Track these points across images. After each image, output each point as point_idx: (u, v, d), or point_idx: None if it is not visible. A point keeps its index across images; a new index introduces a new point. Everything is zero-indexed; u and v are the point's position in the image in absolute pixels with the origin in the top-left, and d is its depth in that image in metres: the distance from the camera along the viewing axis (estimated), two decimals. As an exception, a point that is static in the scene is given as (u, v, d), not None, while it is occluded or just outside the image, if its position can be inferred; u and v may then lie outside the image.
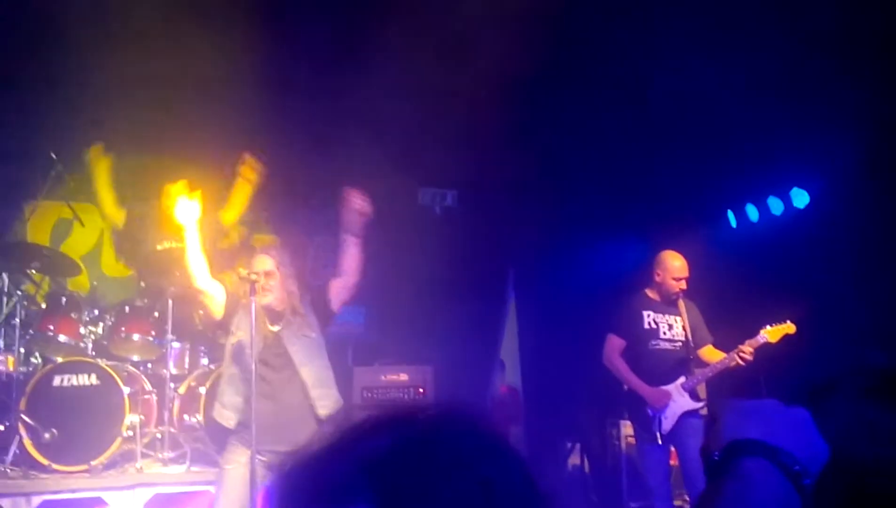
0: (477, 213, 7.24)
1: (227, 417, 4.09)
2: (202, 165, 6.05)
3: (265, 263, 4.16)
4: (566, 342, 6.82)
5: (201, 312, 5.28)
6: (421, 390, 5.84)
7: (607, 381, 5.59)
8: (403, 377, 5.87)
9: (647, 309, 5.28)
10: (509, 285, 7.39)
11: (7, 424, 4.92)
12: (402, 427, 0.88)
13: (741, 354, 4.95)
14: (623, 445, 6.44)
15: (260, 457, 3.88)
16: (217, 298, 4.16)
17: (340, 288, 4.37)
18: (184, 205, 4.12)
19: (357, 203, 4.46)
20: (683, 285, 5.24)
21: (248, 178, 5.84)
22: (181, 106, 5.74)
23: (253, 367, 3.96)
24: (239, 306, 4.16)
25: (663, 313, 5.29)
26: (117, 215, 5.66)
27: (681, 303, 5.33)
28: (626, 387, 5.29)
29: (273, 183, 6.83)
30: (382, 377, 5.84)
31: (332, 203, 7.10)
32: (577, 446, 6.89)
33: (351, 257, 4.41)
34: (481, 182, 7.11)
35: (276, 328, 4.15)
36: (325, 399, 4.12)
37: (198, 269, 4.10)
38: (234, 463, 4.00)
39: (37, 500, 4.62)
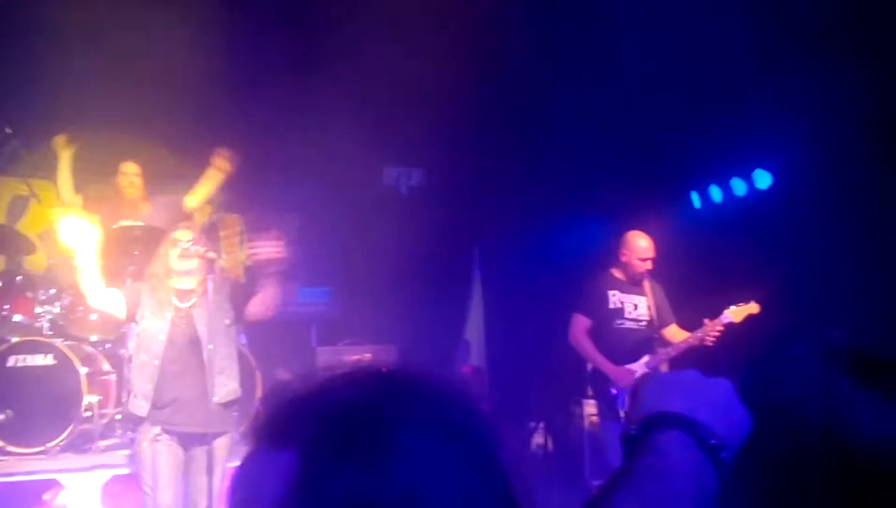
0: (443, 192, 7.22)
1: (139, 406, 4.00)
2: (158, 145, 5.98)
3: (186, 235, 4.09)
4: (531, 321, 6.84)
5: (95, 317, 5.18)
6: (384, 370, 5.82)
7: (571, 360, 5.62)
8: (367, 356, 5.83)
9: (612, 289, 5.30)
10: (475, 265, 7.38)
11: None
12: (364, 384, 0.85)
13: (708, 333, 5.00)
14: (586, 423, 6.48)
15: (168, 437, 3.90)
16: (116, 305, 4.10)
17: (257, 310, 4.20)
18: (72, 226, 4.03)
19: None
20: (649, 265, 5.27)
21: (220, 167, 5.74)
22: (140, 84, 5.62)
23: (204, 346, 3.95)
24: (141, 295, 4.09)
25: (629, 293, 5.32)
26: (75, 201, 5.55)
27: (646, 283, 5.36)
28: (590, 366, 5.31)
29: (238, 163, 6.75)
30: (346, 358, 5.80)
31: (298, 183, 7.09)
32: (541, 425, 6.92)
33: (267, 296, 4.15)
34: (447, 161, 7.08)
35: (185, 305, 4.05)
36: (220, 388, 4.01)
37: (91, 288, 4.02)
38: (147, 440, 3.95)
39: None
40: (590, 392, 6.05)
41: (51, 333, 5.22)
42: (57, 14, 4.89)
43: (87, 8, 4.86)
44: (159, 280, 4.07)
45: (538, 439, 7.00)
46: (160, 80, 5.46)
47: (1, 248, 5.45)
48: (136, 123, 5.80)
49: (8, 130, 5.37)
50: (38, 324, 5.24)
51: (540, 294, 6.77)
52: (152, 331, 4.00)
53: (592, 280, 5.37)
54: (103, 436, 4.97)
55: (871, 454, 0.98)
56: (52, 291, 5.37)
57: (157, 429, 3.92)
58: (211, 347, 3.97)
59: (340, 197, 7.23)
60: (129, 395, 4.22)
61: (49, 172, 5.99)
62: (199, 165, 6.36)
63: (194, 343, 3.99)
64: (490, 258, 7.37)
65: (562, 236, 6.99)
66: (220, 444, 4.04)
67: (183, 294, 4.06)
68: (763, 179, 6.31)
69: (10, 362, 4.81)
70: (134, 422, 4.35)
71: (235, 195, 7.28)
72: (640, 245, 5.26)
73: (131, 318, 4.13)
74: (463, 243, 7.33)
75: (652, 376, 1.03)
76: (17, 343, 4.92)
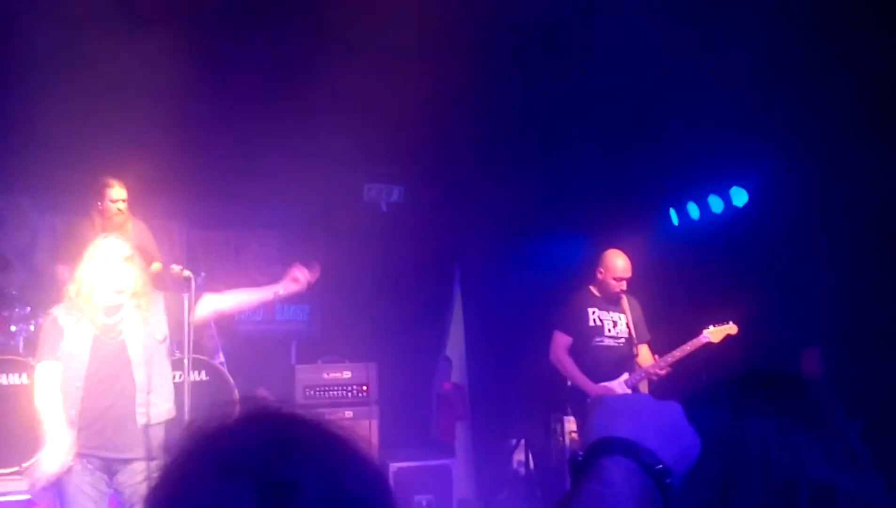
0: (423, 209, 7.22)
1: (67, 433, 3.64)
2: (139, 165, 5.95)
3: (122, 248, 3.80)
4: (512, 338, 6.84)
5: None
6: (364, 387, 5.79)
7: (552, 377, 5.63)
8: (346, 374, 5.81)
9: (591, 306, 5.33)
10: (455, 282, 7.38)
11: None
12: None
13: (659, 367, 5.07)
14: (567, 440, 6.49)
15: (87, 463, 3.59)
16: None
17: (213, 308, 3.99)
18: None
19: (299, 279, 4.19)
20: (623, 285, 5.31)
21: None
22: (118, 101, 5.59)
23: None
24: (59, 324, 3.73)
25: (607, 310, 5.35)
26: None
27: (624, 300, 5.39)
28: (570, 383, 5.32)
29: (211, 180, 6.73)
30: (325, 375, 5.78)
31: (279, 200, 7.07)
32: (522, 442, 6.91)
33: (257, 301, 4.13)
34: (427, 178, 7.09)
35: (111, 321, 3.73)
36: (147, 407, 3.68)
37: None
38: (67, 473, 3.61)
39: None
40: (570, 410, 6.07)
41: (25, 352, 5.16)
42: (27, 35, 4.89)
43: (60, 29, 4.85)
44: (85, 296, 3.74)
45: (519, 456, 6.99)
46: (138, 97, 5.44)
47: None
48: (118, 140, 5.76)
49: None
50: (13, 342, 5.18)
51: (520, 311, 6.78)
52: (73, 354, 3.67)
53: (571, 298, 5.40)
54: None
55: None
56: (28, 309, 5.32)
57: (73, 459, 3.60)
58: (140, 367, 3.68)
59: (321, 214, 7.21)
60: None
61: (23, 188, 5.94)
62: (185, 184, 6.35)
63: (121, 362, 3.68)
64: (470, 275, 7.37)
65: (542, 253, 7.01)
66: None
67: (111, 309, 3.75)
68: (740, 197, 6.37)
69: (-16, 381, 4.75)
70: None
71: (214, 211, 7.25)
72: (616, 265, 5.30)
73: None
74: (443, 259, 7.33)
75: (602, 400, 1.02)
76: (-10, 362, 4.86)
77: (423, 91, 5.94)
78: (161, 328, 3.82)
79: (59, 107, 5.54)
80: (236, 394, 5.34)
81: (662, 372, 5.12)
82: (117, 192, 5.42)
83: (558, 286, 5.98)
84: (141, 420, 3.65)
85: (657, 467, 0.93)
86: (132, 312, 3.74)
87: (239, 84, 6.11)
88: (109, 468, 3.65)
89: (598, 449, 0.95)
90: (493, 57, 5.84)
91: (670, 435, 0.96)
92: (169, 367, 3.89)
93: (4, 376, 4.82)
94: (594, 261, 5.50)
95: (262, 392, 5.97)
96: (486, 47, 5.81)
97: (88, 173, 5.79)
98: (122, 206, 5.43)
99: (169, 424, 3.76)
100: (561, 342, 5.26)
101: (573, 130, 6.36)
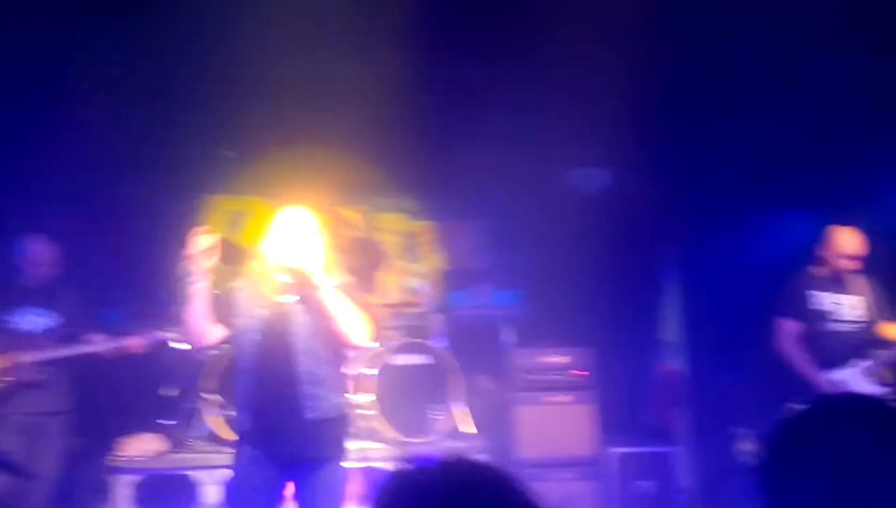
0: (634, 191, 7.08)
1: (241, 421, 3.44)
2: (356, 158, 6.33)
3: (308, 220, 3.49)
4: (733, 321, 6.55)
5: None
6: (582, 371, 5.81)
7: (778, 364, 5.35)
8: (562, 358, 5.85)
9: (816, 289, 5.00)
10: (670, 264, 7.17)
11: (197, 402, 5.32)
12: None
13: None
14: (798, 430, 6.12)
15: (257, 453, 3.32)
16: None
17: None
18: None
19: None
20: (853, 264, 4.90)
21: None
22: (341, 103, 5.97)
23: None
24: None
25: (835, 292, 4.99)
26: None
27: (857, 280, 5.00)
28: (799, 373, 5.05)
29: (427, 171, 7.01)
30: (542, 360, 5.85)
31: (488, 188, 7.24)
32: (749, 431, 6.61)
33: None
34: (637, 159, 6.94)
35: (287, 300, 3.40)
36: (314, 401, 3.34)
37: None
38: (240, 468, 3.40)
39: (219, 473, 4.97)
40: (799, 398, 5.73)
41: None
42: (265, 45, 5.33)
43: (294, 36, 5.25)
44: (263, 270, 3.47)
45: (745, 445, 6.70)
46: (359, 99, 5.78)
47: (223, 260, 5.95)
48: (339, 138, 6.17)
49: (228, 154, 5.89)
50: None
51: (742, 293, 6.47)
52: (246, 330, 3.40)
53: (794, 281, 5.09)
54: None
55: None
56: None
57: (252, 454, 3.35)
58: (305, 355, 3.36)
59: (530, 201, 7.29)
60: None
61: (261, 189, 6.51)
62: (394, 176, 6.69)
63: (287, 349, 3.36)
64: (686, 257, 7.12)
65: (766, 232, 6.65)
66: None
67: (286, 285, 3.43)
68: None
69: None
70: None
71: (428, 204, 7.55)
72: (843, 242, 4.93)
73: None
74: (657, 242, 7.15)
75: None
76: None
77: (630, 69, 5.84)
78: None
79: (284, 113, 6.04)
80: (459, 377, 5.55)
81: None
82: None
83: (783, 267, 5.67)
84: (309, 415, 3.32)
85: None
86: (309, 294, 3.36)
87: (447, 77, 6.31)
88: (280, 461, 3.32)
89: None
90: (707, 29, 5.63)
91: None
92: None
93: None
94: (818, 239, 5.16)
95: (484, 381, 6.16)
96: (701, 20, 5.60)
97: (316, 173, 6.26)
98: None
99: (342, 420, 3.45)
100: (787, 328, 4.98)
101: (794, 100, 5.98)
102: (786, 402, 6.21)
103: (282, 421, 3.29)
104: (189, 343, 3.68)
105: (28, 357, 4.59)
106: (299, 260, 3.31)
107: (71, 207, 5.90)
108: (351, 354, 3.48)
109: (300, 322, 3.38)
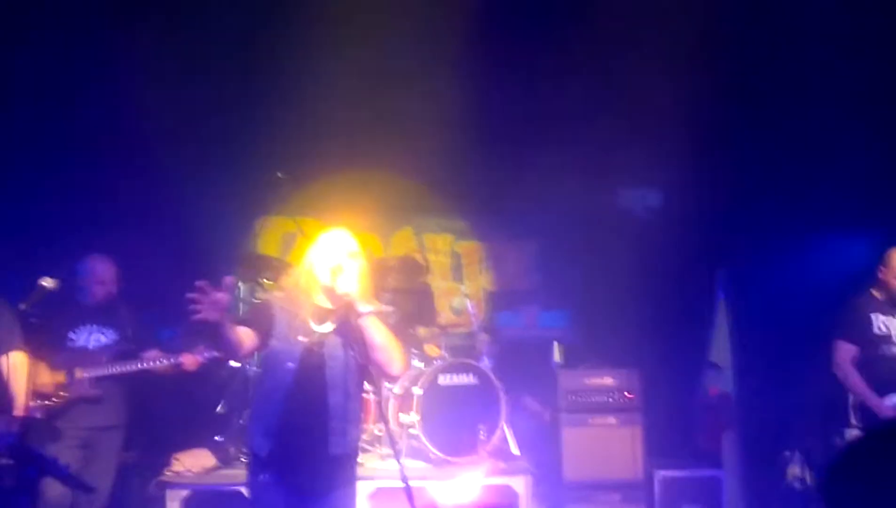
0: (682, 212, 7.05)
1: (259, 445, 3.30)
2: (409, 181, 6.43)
3: (348, 242, 3.38)
4: (783, 344, 6.47)
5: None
6: (628, 393, 5.78)
7: (831, 386, 5.27)
8: (609, 380, 5.83)
9: (875, 311, 4.93)
10: (719, 286, 7.11)
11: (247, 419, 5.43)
12: None
13: None
14: (850, 456, 5.99)
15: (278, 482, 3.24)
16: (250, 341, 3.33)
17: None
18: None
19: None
20: None
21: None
22: (393, 128, 6.09)
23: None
24: (272, 311, 3.34)
25: (893, 316, 4.91)
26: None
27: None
28: (851, 397, 4.97)
29: (474, 190, 7.08)
30: (588, 381, 5.84)
31: (535, 209, 7.27)
32: (798, 455, 6.49)
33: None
34: (685, 180, 6.91)
35: (324, 329, 3.30)
36: (340, 436, 3.27)
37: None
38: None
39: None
40: (853, 422, 5.62)
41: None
42: (320, 71, 5.48)
43: (346, 62, 5.39)
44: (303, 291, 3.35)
45: (794, 470, 6.58)
46: (411, 124, 5.90)
47: (277, 280, 6.09)
48: (391, 162, 6.29)
49: (280, 175, 6.02)
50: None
51: (791, 315, 6.39)
52: (279, 353, 3.29)
53: (853, 303, 5.02)
54: (364, 450, 5.36)
55: None
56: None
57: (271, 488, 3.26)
58: (335, 390, 3.27)
59: (577, 221, 7.31)
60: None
61: (313, 209, 6.65)
62: (441, 196, 6.77)
63: (318, 381, 3.26)
64: (735, 278, 7.06)
65: (813, 253, 6.55)
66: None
67: (323, 314, 3.32)
68: None
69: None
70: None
71: (475, 224, 7.61)
72: None
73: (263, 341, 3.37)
74: (705, 263, 7.09)
75: None
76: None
77: (678, 88, 5.85)
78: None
79: (337, 136, 6.18)
80: (502, 397, 5.57)
81: None
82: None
83: (834, 289, 5.58)
84: (334, 451, 3.26)
85: None
86: (344, 320, 3.27)
87: (496, 98, 6.38)
88: (298, 491, 3.25)
89: None
90: (756, 52, 5.61)
91: None
92: (360, 389, 3.41)
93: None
94: (875, 261, 5.08)
95: (529, 402, 6.18)
96: (747, 43, 5.59)
97: (365, 195, 6.40)
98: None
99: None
100: (845, 351, 4.90)
101: (846, 119, 5.92)
102: (836, 426, 6.12)
103: (306, 453, 3.22)
104: (229, 357, 3.66)
105: (85, 373, 4.74)
106: (344, 286, 3.22)
107: (132, 227, 6.11)
108: (405, 382, 3.44)
109: (336, 356, 3.28)
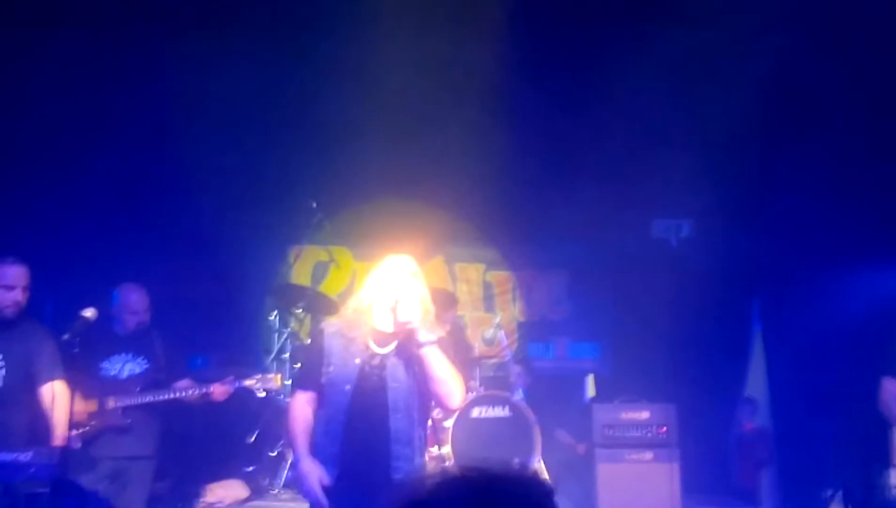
0: (716, 243, 6.96)
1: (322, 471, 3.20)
2: (439, 212, 6.41)
3: (410, 265, 3.28)
4: (822, 378, 6.34)
5: None
6: (663, 428, 5.67)
7: (872, 422, 5.13)
8: (644, 414, 5.72)
9: None
10: (754, 318, 7.00)
11: (279, 451, 5.41)
12: None
13: None
14: (891, 494, 5.84)
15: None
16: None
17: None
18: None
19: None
20: None
21: None
22: (422, 159, 6.10)
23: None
24: (322, 345, 3.27)
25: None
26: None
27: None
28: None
29: (506, 220, 7.05)
30: (623, 415, 5.74)
31: (567, 239, 7.23)
32: (839, 493, 6.34)
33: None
34: (719, 209, 6.84)
35: (384, 351, 3.19)
36: (402, 461, 3.14)
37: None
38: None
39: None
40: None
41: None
42: (354, 103, 5.52)
43: (380, 94, 5.42)
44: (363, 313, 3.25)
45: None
46: (443, 155, 5.90)
47: (309, 308, 6.08)
48: (423, 192, 6.29)
49: (314, 205, 6.04)
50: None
51: (830, 349, 6.27)
52: (336, 381, 3.19)
53: None
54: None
55: None
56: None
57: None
58: (397, 413, 3.16)
59: (609, 252, 7.25)
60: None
61: (345, 239, 6.66)
62: (473, 226, 6.76)
63: (379, 403, 3.15)
64: (772, 310, 6.96)
65: (850, 285, 6.44)
66: None
67: (385, 337, 3.22)
68: None
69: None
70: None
71: (506, 253, 7.58)
72: None
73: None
74: (740, 294, 7.00)
75: None
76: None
77: (709, 121, 5.81)
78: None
79: (375, 176, 6.20)
80: (536, 431, 5.49)
81: None
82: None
83: (872, 320, 5.46)
84: (396, 476, 3.11)
85: None
86: (404, 343, 3.18)
87: (529, 129, 6.37)
88: None
89: None
90: (791, 84, 5.57)
91: None
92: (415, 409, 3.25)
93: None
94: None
95: (562, 436, 6.09)
96: (779, 77, 5.56)
97: (398, 225, 6.39)
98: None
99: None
100: (891, 389, 4.76)
101: (878, 147, 5.84)
102: (878, 465, 5.96)
103: (368, 480, 3.09)
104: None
105: (117, 402, 4.72)
106: (405, 314, 3.09)
107: (168, 255, 6.13)
108: (438, 414, 3.35)
109: (398, 378, 3.16)
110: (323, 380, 3.20)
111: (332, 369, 3.19)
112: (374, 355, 3.18)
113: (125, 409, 4.76)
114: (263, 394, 5.15)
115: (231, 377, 4.93)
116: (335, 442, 3.14)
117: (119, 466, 4.79)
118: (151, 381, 4.90)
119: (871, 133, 5.77)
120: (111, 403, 4.74)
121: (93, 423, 4.67)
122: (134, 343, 4.97)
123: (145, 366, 4.95)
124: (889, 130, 5.72)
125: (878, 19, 5.00)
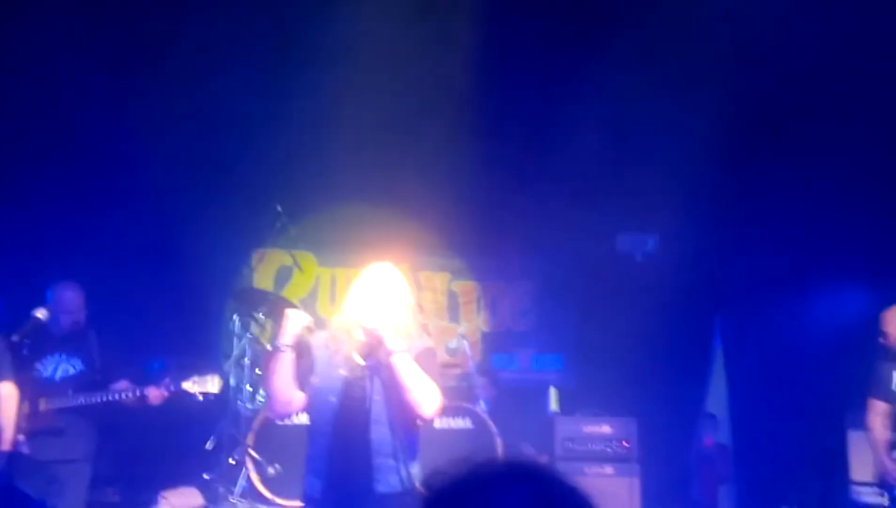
0: (680, 259, 7.01)
1: (311, 485, 3.19)
2: (405, 220, 6.36)
3: (393, 274, 3.27)
4: (781, 396, 6.40)
5: None
6: (625, 443, 5.67)
7: (830, 439, 5.19)
8: (606, 428, 5.72)
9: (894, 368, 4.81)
10: (716, 335, 7.06)
11: (237, 458, 5.29)
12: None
13: None
14: (848, 511, 5.90)
15: None
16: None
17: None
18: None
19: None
20: None
21: None
22: (390, 167, 6.05)
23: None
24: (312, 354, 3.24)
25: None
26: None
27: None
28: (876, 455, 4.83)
29: (471, 230, 7.02)
30: (584, 429, 5.73)
31: (532, 251, 7.23)
32: (794, 509, 6.40)
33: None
34: (683, 226, 6.90)
35: (364, 363, 3.16)
36: (386, 473, 3.09)
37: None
38: None
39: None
40: (852, 477, 5.54)
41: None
42: (322, 107, 5.46)
43: (348, 100, 5.37)
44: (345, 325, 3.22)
45: (792, 525, 6.48)
46: (410, 162, 5.86)
47: (271, 313, 5.97)
48: (389, 198, 6.24)
49: (278, 208, 5.96)
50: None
51: (791, 367, 6.33)
52: (322, 392, 3.17)
53: (878, 359, 4.88)
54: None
55: None
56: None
57: None
58: (380, 425, 3.11)
59: (574, 265, 7.26)
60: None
61: (310, 244, 6.56)
62: (438, 235, 6.72)
63: (361, 415, 3.11)
64: (733, 328, 7.02)
65: (814, 306, 6.51)
66: None
67: (368, 347, 3.18)
68: None
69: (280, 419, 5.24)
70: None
71: (472, 264, 7.55)
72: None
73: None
74: (703, 311, 7.05)
75: None
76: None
77: (678, 137, 5.85)
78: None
79: (339, 181, 6.13)
80: (499, 443, 5.45)
81: None
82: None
83: (833, 338, 5.53)
84: (379, 488, 3.08)
85: None
86: (380, 359, 3.14)
87: (494, 139, 6.36)
88: None
89: None
90: (755, 103, 5.63)
91: None
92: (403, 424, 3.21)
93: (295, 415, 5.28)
94: (874, 310, 5.02)
95: (527, 449, 6.05)
96: (746, 93, 5.61)
97: (363, 231, 6.33)
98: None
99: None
100: (878, 410, 4.74)
101: (843, 169, 5.92)
102: (836, 481, 6.01)
103: (353, 492, 3.07)
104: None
105: (46, 404, 4.55)
106: (374, 321, 3.09)
107: (128, 256, 6.00)
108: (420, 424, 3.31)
109: (379, 389, 3.12)
110: (308, 391, 3.18)
111: (315, 379, 3.17)
112: (357, 366, 3.16)
113: (58, 411, 4.58)
114: (201, 398, 4.97)
115: (167, 381, 4.77)
116: (321, 454, 3.14)
117: (53, 470, 4.60)
118: (86, 382, 4.71)
119: (837, 154, 5.84)
120: (43, 405, 4.56)
121: (24, 426, 4.49)
122: (68, 344, 4.77)
123: (80, 367, 4.76)
124: (855, 153, 5.80)
125: (841, 40, 5.07)
